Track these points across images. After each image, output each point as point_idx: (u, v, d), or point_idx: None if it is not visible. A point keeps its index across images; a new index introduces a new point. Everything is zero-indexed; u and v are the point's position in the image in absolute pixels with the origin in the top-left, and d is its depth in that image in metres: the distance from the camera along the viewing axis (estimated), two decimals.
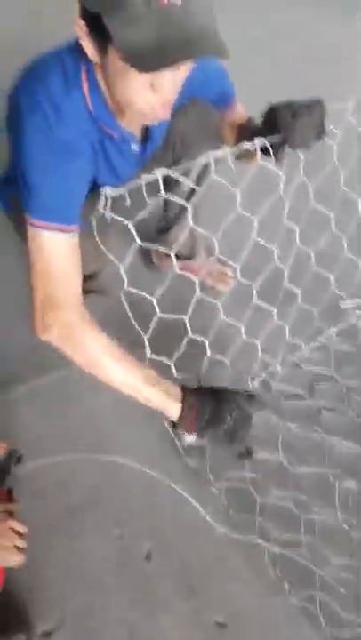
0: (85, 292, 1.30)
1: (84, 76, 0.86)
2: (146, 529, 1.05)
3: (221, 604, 0.97)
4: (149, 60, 0.70)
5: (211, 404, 0.93)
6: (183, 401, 0.93)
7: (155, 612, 0.95)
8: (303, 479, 1.11)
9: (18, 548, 0.83)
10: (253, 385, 1.27)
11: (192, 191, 1.20)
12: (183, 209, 1.29)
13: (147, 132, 1.04)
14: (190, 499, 1.08)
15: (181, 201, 0.84)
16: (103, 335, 0.91)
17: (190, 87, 1.03)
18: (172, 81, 0.78)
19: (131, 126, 0.98)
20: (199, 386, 0.98)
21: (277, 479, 1.09)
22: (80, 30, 0.77)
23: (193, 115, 1.10)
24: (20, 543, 0.83)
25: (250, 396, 0.97)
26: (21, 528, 0.85)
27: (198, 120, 1.11)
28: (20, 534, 0.84)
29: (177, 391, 0.94)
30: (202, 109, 1.11)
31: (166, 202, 1.34)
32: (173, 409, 0.93)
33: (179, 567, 1.00)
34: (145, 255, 1.52)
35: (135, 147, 1.03)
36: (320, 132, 0.94)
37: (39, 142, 0.85)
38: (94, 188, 1.03)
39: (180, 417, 0.93)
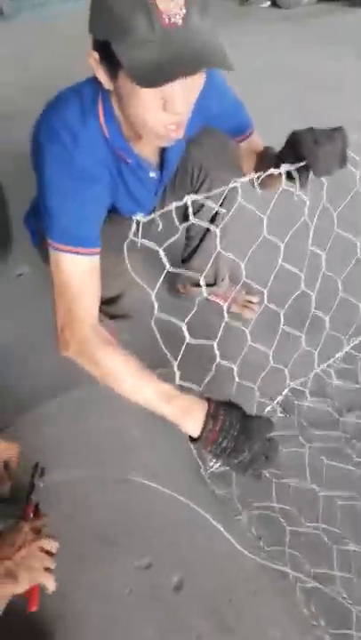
0: (112, 316, 1.34)
1: (100, 106, 0.91)
2: (175, 559, 1.02)
3: None
4: (153, 75, 0.73)
5: (233, 431, 0.86)
6: (206, 419, 0.86)
7: None
8: (335, 510, 1.07)
9: (47, 569, 0.81)
10: (277, 406, 1.25)
11: (213, 219, 1.22)
12: (204, 237, 1.32)
13: (162, 159, 1.08)
14: (222, 529, 1.05)
15: (209, 225, 0.85)
16: (119, 351, 0.93)
17: (207, 118, 1.08)
18: (183, 100, 0.80)
19: (146, 152, 1.02)
20: (229, 402, 0.90)
21: (308, 509, 1.06)
22: (93, 60, 0.82)
23: (209, 144, 1.13)
24: (50, 564, 0.82)
25: (269, 422, 0.89)
26: (52, 546, 0.84)
27: (215, 149, 1.13)
28: (50, 554, 0.83)
29: (198, 407, 0.88)
30: (218, 138, 1.14)
31: (188, 230, 1.36)
32: (189, 427, 0.88)
33: (209, 599, 0.97)
34: (170, 284, 1.55)
35: (153, 174, 1.07)
36: (343, 160, 0.95)
37: (58, 170, 0.91)
38: (113, 211, 1.06)
39: (199, 437, 0.87)
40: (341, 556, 0.99)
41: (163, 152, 1.06)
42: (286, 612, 0.95)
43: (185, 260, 1.41)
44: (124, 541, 1.05)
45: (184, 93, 0.79)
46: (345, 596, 0.94)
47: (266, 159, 1.07)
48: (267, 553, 1.02)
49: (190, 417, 0.87)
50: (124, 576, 1.00)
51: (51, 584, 0.81)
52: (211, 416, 0.86)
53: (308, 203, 0.96)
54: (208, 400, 0.89)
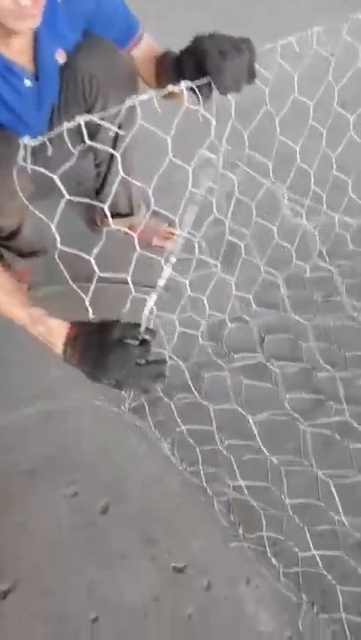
0: (22, 254, 1.27)
1: None
2: (101, 485, 1.06)
3: (179, 551, 0.99)
4: None
5: (91, 359, 0.83)
6: (65, 345, 0.86)
7: (112, 564, 0.96)
8: (257, 427, 1.13)
9: None
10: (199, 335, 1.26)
11: (115, 140, 1.15)
12: (111, 159, 1.25)
13: (37, 67, 1.00)
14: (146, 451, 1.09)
15: (108, 149, 0.80)
16: None
17: (83, 17, 1.00)
18: None
19: (16, 56, 0.95)
20: (99, 326, 0.85)
21: (231, 428, 1.11)
22: None
23: (99, 55, 1.05)
24: None
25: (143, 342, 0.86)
26: None
27: (106, 60, 1.06)
28: None
29: (61, 331, 0.86)
30: (104, 45, 1.06)
31: (95, 157, 1.29)
32: (55, 350, 0.88)
33: (135, 519, 1.02)
34: (88, 217, 1.48)
35: (29, 82, 0.99)
36: (251, 75, 0.90)
37: None
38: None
39: (64, 359, 0.87)
40: (260, 466, 1.05)
41: (35, 57, 0.98)
42: (208, 524, 1.02)
43: (98, 191, 1.34)
44: (48, 474, 1.06)
45: None
46: (262, 501, 1.02)
47: (167, 66, 1.00)
48: (189, 472, 1.07)
49: (55, 341, 0.87)
50: (52, 509, 1.02)
51: None
52: (70, 342, 0.85)
53: (214, 122, 0.92)
54: (71, 325, 0.87)
